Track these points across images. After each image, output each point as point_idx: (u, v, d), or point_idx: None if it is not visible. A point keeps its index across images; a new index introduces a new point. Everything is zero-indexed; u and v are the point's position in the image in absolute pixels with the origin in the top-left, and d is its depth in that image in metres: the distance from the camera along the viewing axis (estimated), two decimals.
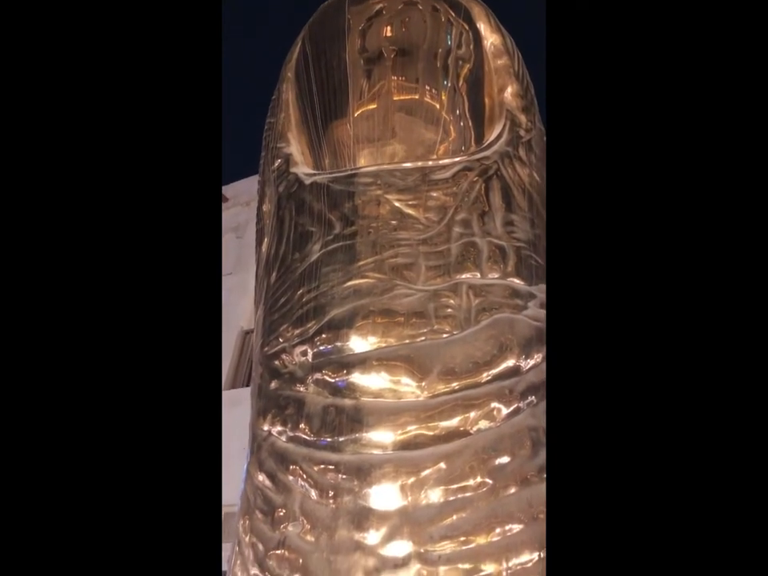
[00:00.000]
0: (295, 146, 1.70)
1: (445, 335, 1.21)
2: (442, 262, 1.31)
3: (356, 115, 1.85)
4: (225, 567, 1.38)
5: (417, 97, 1.89)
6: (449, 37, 1.78)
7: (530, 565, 0.98)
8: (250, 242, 5.40)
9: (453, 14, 1.82)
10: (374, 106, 1.86)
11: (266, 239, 1.65)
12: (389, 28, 1.77)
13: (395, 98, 1.88)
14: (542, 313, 1.31)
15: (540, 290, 1.35)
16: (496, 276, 1.32)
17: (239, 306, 5.46)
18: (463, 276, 1.29)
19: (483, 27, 1.77)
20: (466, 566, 0.98)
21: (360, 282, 1.30)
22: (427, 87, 1.87)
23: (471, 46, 1.76)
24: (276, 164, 1.68)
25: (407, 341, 1.21)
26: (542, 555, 0.99)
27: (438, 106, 1.87)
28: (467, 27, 1.78)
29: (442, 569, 0.97)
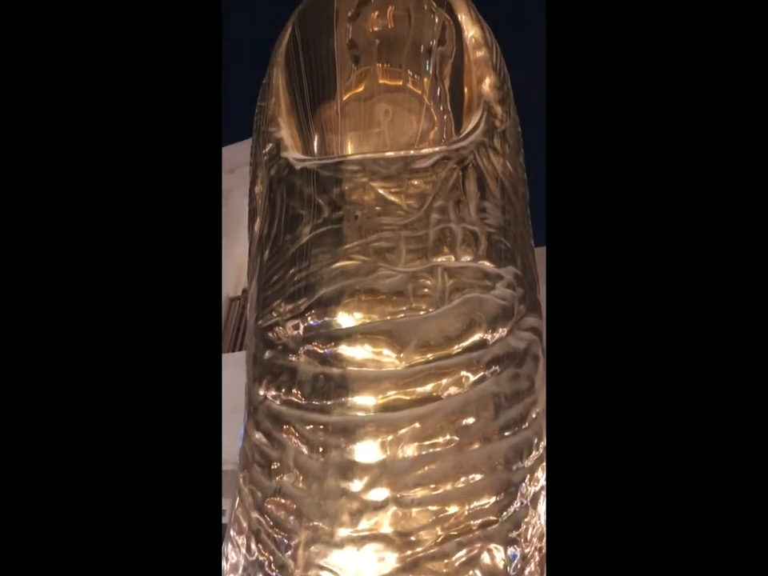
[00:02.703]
0: (285, 131, 1.80)
1: (422, 312, 1.37)
2: (421, 246, 1.45)
3: (344, 99, 1.95)
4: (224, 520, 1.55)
5: (401, 83, 1.99)
6: (432, 29, 1.87)
7: (487, 506, 1.17)
8: (233, 209, 5.44)
9: (435, 5, 1.91)
10: (361, 89, 1.97)
11: (258, 219, 1.77)
12: (375, 21, 1.86)
13: (380, 82, 1.99)
14: (508, 292, 1.47)
15: (507, 272, 1.50)
16: (468, 259, 1.47)
17: (224, 273, 5.54)
18: (439, 259, 1.44)
19: (464, 19, 1.86)
20: (435, 507, 1.17)
21: (347, 264, 1.44)
22: (410, 72, 1.97)
23: (453, 38, 1.86)
24: (267, 148, 1.79)
25: (388, 317, 1.36)
26: (497, 499, 1.18)
27: (420, 92, 1.98)
28: (449, 19, 1.87)
29: (414, 510, 1.16)
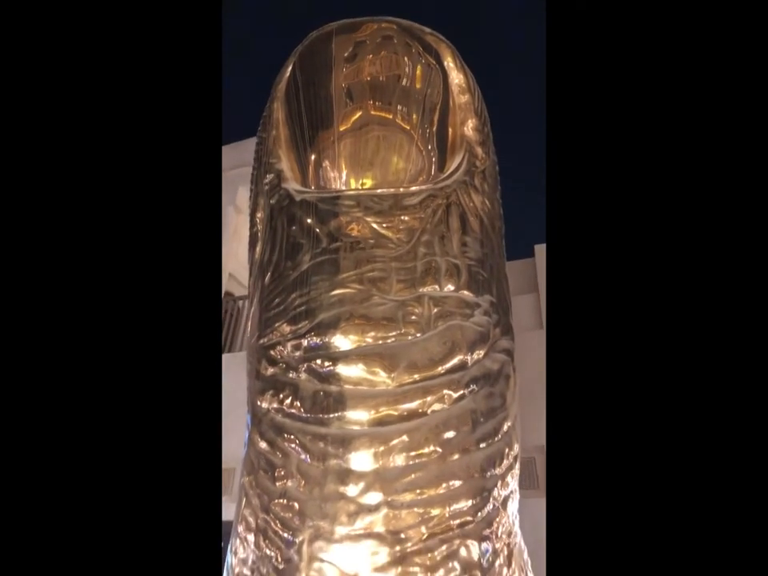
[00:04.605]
0: (285, 163, 1.96)
1: (410, 337, 1.55)
2: (410, 277, 1.64)
3: (340, 130, 2.12)
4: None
5: (390, 116, 2.17)
6: (421, 73, 2.06)
7: (465, 509, 1.37)
8: None
9: (421, 49, 2.10)
10: (356, 118, 2.14)
11: (259, 244, 1.93)
12: (370, 62, 2.03)
13: (372, 113, 2.17)
14: (485, 319, 1.67)
15: (484, 300, 1.70)
16: (451, 289, 1.66)
17: None
18: (425, 289, 1.63)
19: (450, 66, 2.05)
20: (421, 510, 1.36)
21: (344, 292, 1.61)
22: (399, 107, 2.16)
23: (439, 82, 2.05)
24: (268, 178, 1.94)
25: (380, 341, 1.55)
26: (474, 502, 1.38)
27: (408, 128, 2.16)
28: (436, 64, 2.06)
29: (403, 512, 1.35)
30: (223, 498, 3.88)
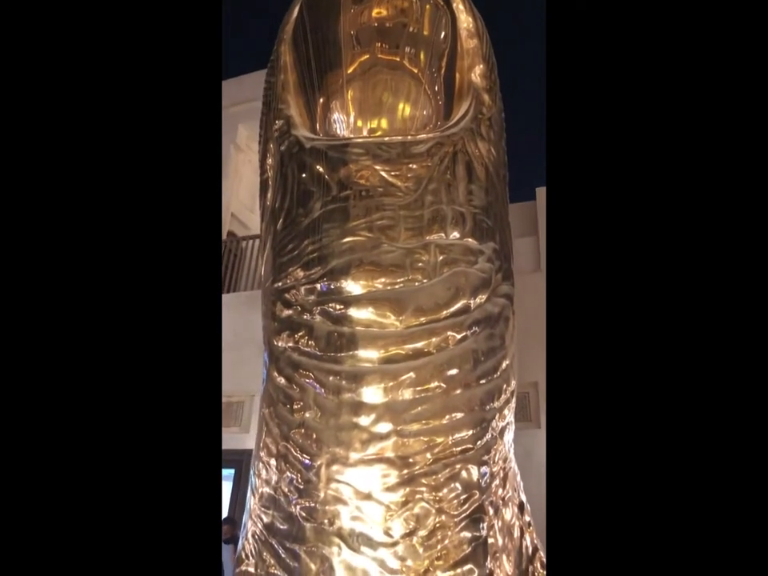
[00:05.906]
0: (294, 109, 1.98)
1: (417, 283, 1.65)
2: (417, 225, 1.71)
3: (348, 72, 2.12)
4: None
5: (398, 59, 2.17)
6: (429, 15, 2.04)
7: (466, 437, 1.53)
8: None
9: None
10: (364, 59, 2.14)
11: (270, 190, 1.98)
12: (378, 4, 2.01)
13: (379, 56, 2.16)
14: (488, 266, 1.76)
15: (487, 248, 1.79)
16: (456, 236, 1.74)
17: None
18: (432, 237, 1.71)
19: (459, 8, 2.03)
20: (426, 438, 1.51)
21: (354, 240, 1.69)
22: (407, 50, 2.15)
23: (448, 26, 2.03)
24: (278, 124, 1.97)
25: (389, 287, 1.65)
26: (474, 432, 1.53)
27: (416, 71, 2.16)
28: (445, 7, 2.04)
29: (410, 440, 1.50)
30: (235, 429, 4.12)
